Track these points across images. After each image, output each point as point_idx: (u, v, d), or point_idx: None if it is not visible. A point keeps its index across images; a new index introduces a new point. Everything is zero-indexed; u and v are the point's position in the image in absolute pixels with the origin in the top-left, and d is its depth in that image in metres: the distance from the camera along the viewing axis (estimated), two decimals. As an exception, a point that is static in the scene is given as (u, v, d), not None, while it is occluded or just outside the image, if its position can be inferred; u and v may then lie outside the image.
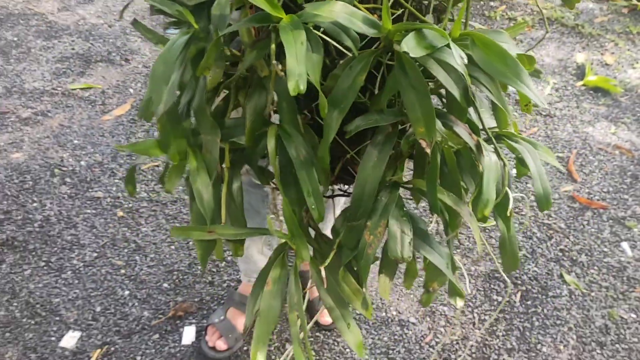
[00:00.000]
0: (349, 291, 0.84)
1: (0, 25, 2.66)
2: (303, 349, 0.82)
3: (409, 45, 0.64)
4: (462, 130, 0.76)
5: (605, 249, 1.82)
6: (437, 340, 1.56)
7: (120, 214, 1.84)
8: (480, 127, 0.81)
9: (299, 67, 0.64)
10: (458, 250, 1.79)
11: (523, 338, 1.57)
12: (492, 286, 1.70)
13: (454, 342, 1.55)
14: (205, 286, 1.65)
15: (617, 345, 1.56)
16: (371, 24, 0.68)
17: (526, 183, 2.04)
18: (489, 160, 0.77)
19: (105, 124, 2.17)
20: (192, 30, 0.77)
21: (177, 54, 0.76)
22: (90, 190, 1.91)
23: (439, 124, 0.74)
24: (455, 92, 0.70)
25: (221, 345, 1.46)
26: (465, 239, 1.84)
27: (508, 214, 0.89)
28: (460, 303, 0.91)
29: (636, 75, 2.62)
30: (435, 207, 0.79)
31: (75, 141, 2.08)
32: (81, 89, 2.32)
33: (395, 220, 0.78)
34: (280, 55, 0.69)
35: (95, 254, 1.71)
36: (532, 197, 1.99)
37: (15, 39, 2.58)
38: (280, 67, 0.72)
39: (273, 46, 0.71)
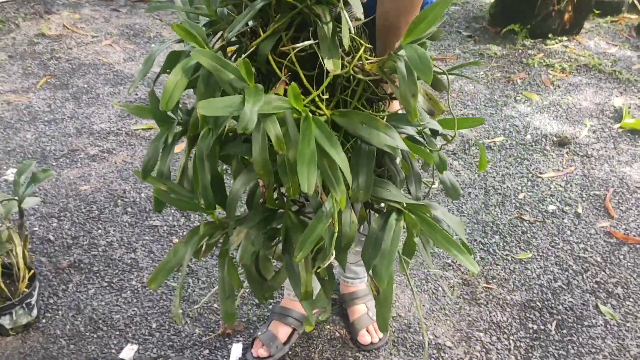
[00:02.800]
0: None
1: (73, 74, 2.93)
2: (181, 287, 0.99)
3: (204, 105, 0.77)
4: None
5: (642, 282, 1.85)
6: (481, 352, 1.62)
7: (176, 240, 1.99)
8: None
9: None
10: (494, 280, 1.85)
11: (558, 364, 1.61)
12: (527, 315, 1.75)
13: (489, 366, 1.61)
14: (252, 307, 1.76)
15: (653, 375, 1.58)
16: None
17: (562, 218, 2.10)
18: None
19: (164, 160, 2.35)
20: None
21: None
22: (149, 219, 2.07)
23: None
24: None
25: (262, 352, 1.57)
26: (502, 269, 1.90)
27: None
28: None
29: (674, 118, 2.67)
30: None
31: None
32: (143, 129, 2.53)
33: (253, 233, 0.93)
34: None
35: (152, 276, 1.86)
36: (568, 232, 2.04)
37: (86, 86, 2.84)
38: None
39: None
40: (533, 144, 2.49)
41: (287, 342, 1.63)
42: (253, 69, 0.80)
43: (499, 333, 1.70)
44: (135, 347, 1.65)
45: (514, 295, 1.81)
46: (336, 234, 0.84)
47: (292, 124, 0.79)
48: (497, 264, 1.91)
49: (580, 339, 1.68)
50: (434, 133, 0.96)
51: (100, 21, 3.50)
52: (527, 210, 2.13)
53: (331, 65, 0.84)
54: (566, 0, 3.19)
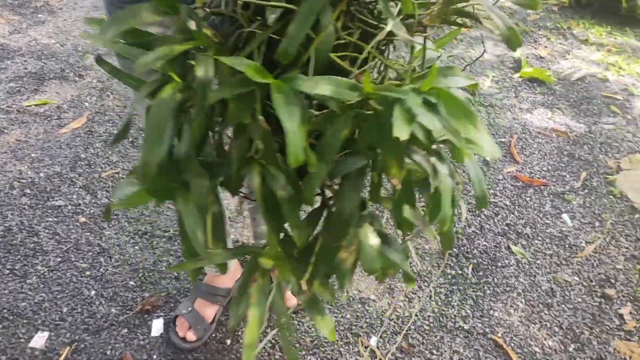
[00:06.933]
0: (324, 294, 0.92)
1: (-50, 50, 2.67)
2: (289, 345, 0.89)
3: (398, 129, 0.70)
4: (421, 158, 0.82)
5: (548, 221, 1.94)
6: (397, 314, 1.64)
7: (82, 219, 1.87)
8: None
9: (298, 141, 0.69)
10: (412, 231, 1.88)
11: (476, 306, 1.67)
12: (445, 262, 1.79)
13: (413, 314, 1.64)
14: (171, 281, 1.70)
15: (562, 306, 1.67)
16: (354, 88, 0.74)
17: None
18: (446, 182, 0.82)
19: (63, 137, 2.20)
20: (177, 87, 0.77)
21: (168, 114, 0.76)
22: (50, 199, 1.93)
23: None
24: (421, 136, 0.76)
25: (191, 336, 1.51)
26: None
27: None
28: (412, 286, 1.01)
29: (568, 65, 2.80)
30: (400, 225, 0.88)
31: (33, 154, 2.11)
32: (36, 105, 2.35)
33: (364, 237, 0.85)
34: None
35: (59, 259, 1.74)
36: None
37: (-34, 61, 2.59)
38: (263, 121, 0.77)
39: (258, 106, 0.75)
40: (440, 97, 2.54)
41: (213, 321, 1.57)
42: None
43: (419, 282, 1.73)
44: (45, 334, 1.55)
45: (432, 244, 1.85)
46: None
47: None
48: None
49: (495, 280, 1.74)
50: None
51: (-23, -9, 3.19)
52: (438, 162, 2.17)
53: (404, 34, 0.77)
54: (463, -45, 3.25)
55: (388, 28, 0.77)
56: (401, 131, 0.70)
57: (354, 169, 0.84)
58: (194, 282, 1.60)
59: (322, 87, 0.72)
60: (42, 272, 1.70)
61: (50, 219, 1.87)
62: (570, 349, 1.56)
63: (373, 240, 0.86)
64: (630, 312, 1.65)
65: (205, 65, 0.74)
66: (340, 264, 0.86)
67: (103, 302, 1.63)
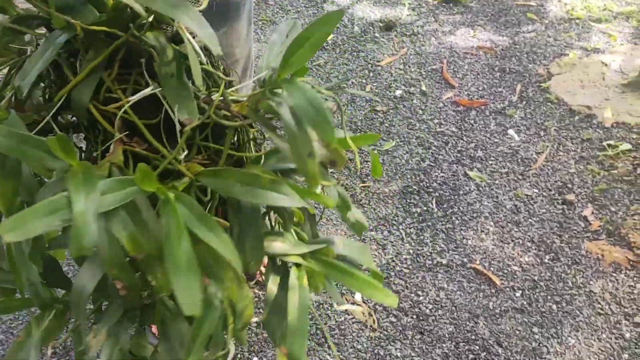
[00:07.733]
0: None
1: None
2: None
3: (74, 245, 0.55)
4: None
5: (496, 140, 1.95)
6: (374, 261, 1.61)
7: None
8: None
9: None
10: (368, 177, 1.84)
11: (449, 238, 1.66)
12: (408, 201, 1.77)
13: (390, 261, 1.61)
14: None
15: (529, 220, 1.70)
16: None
17: (411, 100, 2.12)
18: (208, 314, 0.67)
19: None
20: None
21: None
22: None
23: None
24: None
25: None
26: (366, 164, 1.89)
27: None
28: None
29: (478, -20, 2.79)
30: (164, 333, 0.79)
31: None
32: None
33: (116, 331, 0.75)
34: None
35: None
36: (420, 112, 2.08)
37: None
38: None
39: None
40: (363, 34, 2.47)
41: None
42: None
43: (388, 227, 1.70)
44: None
45: (391, 186, 1.82)
46: (231, 325, 0.67)
47: (147, 209, 0.59)
48: (367, 161, 1.90)
49: (461, 208, 1.74)
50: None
51: None
52: (377, 101, 2.12)
53: (185, 115, 0.63)
54: None
55: (147, 91, 0.66)
56: (75, 247, 0.55)
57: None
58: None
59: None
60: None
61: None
62: (546, 260, 1.59)
63: (124, 338, 0.76)
64: (593, 212, 1.70)
65: None
66: (86, 348, 0.77)
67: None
